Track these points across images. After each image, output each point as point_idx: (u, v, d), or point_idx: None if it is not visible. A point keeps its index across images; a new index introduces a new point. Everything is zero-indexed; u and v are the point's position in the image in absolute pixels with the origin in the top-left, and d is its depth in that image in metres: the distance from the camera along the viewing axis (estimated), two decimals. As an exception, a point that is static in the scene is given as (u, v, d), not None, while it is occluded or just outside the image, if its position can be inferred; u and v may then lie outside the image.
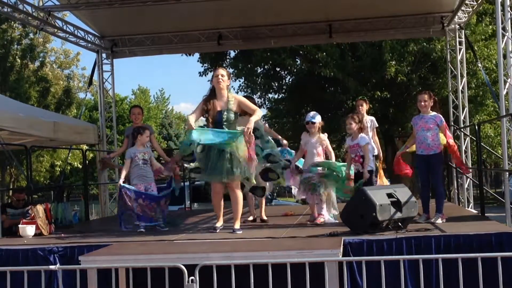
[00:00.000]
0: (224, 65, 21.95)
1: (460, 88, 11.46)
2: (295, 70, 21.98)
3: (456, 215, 7.87)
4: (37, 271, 5.01)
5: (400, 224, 6.41)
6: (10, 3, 9.67)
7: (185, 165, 7.48)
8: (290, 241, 6.00)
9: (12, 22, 23.53)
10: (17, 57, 24.79)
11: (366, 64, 18.50)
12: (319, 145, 7.45)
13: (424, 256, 4.99)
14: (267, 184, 7.51)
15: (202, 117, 6.93)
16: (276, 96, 23.24)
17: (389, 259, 4.95)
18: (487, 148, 14.69)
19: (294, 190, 7.93)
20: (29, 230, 7.24)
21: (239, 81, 22.41)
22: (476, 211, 9.33)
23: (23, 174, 21.99)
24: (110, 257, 5.65)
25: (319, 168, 7.30)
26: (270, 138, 7.27)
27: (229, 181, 6.77)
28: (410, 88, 18.84)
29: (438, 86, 17.85)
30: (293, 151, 8.13)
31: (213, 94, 6.90)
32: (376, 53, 18.34)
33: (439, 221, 6.99)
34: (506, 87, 7.92)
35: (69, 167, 26.74)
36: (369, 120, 8.78)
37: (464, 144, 11.16)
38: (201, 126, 6.79)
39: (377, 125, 9.01)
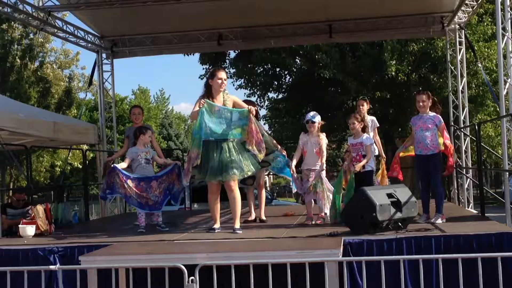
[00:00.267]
0: (224, 65, 21.98)
1: (460, 88, 11.46)
2: (295, 70, 21.99)
3: (456, 215, 7.88)
4: (37, 271, 5.01)
5: (400, 224, 6.41)
6: (10, 3, 9.68)
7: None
8: (290, 241, 6.00)
9: (12, 22, 23.51)
10: (17, 57, 24.78)
11: (366, 64, 18.50)
12: (318, 145, 7.44)
13: (424, 256, 4.99)
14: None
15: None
16: (276, 96, 23.28)
17: (389, 259, 4.95)
18: (487, 148, 14.68)
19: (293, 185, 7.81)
20: (29, 230, 7.24)
21: (239, 81, 22.43)
22: (476, 211, 9.33)
23: (23, 174, 21.99)
24: (110, 257, 5.65)
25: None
26: (264, 131, 7.25)
27: (226, 180, 6.78)
28: (410, 88, 18.83)
29: (438, 86, 17.84)
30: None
31: (209, 92, 6.93)
32: (376, 53, 18.33)
33: (439, 221, 6.99)
34: (506, 87, 7.92)
35: (69, 167, 26.73)
36: (370, 120, 8.78)
37: (464, 144, 11.16)
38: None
39: (378, 125, 9.01)
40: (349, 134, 7.54)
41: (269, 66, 21.78)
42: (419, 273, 4.56)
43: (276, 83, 22.47)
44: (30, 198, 8.81)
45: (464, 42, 11.57)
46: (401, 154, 7.69)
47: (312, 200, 7.57)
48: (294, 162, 7.47)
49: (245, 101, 7.55)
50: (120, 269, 5.26)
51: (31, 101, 24.09)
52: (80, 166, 25.30)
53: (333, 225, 6.94)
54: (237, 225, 6.92)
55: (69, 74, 27.91)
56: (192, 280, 4.48)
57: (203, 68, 22.43)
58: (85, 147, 14.75)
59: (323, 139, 7.50)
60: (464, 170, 11.08)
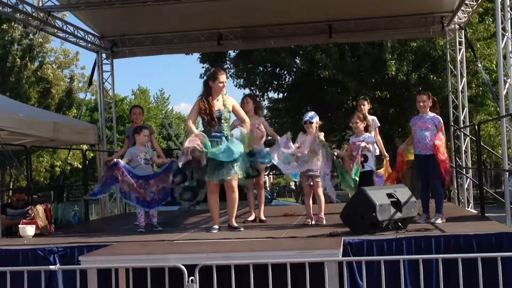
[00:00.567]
0: (224, 65, 21.98)
1: (460, 88, 11.46)
2: (294, 70, 22.00)
3: (456, 215, 7.88)
4: (37, 271, 5.01)
5: (400, 224, 6.41)
6: (11, 3, 9.68)
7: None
8: (290, 241, 6.00)
9: (13, 23, 23.51)
10: (17, 57, 24.77)
11: (366, 63, 18.50)
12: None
13: (424, 256, 4.99)
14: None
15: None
16: (275, 96, 23.29)
17: (389, 259, 4.95)
18: (487, 148, 14.68)
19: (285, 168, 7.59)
20: (29, 230, 7.24)
21: (239, 80, 22.43)
22: (476, 211, 9.33)
23: (23, 174, 21.98)
24: (110, 257, 5.66)
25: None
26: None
27: (227, 180, 6.79)
28: (410, 88, 18.83)
29: (438, 86, 17.84)
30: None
31: (209, 93, 6.96)
32: (376, 52, 18.34)
33: (439, 221, 6.99)
34: (506, 87, 7.92)
35: (69, 167, 26.72)
36: (371, 120, 8.77)
37: (464, 144, 11.17)
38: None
39: (379, 125, 9.01)
40: (349, 134, 7.55)
41: (269, 66, 21.78)
42: (419, 273, 4.56)
43: (276, 83, 22.47)
44: (30, 198, 8.81)
45: (464, 42, 11.58)
46: (402, 157, 7.67)
47: (311, 200, 7.58)
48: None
49: (245, 96, 7.58)
50: (120, 269, 5.26)
51: (31, 101, 24.07)
52: (80, 166, 25.30)
53: (333, 225, 6.93)
54: (234, 223, 6.99)
55: (69, 74, 27.92)
56: (192, 280, 4.48)
57: (203, 67, 22.45)
58: (85, 147, 14.76)
59: (323, 139, 7.48)
60: (464, 170, 11.09)
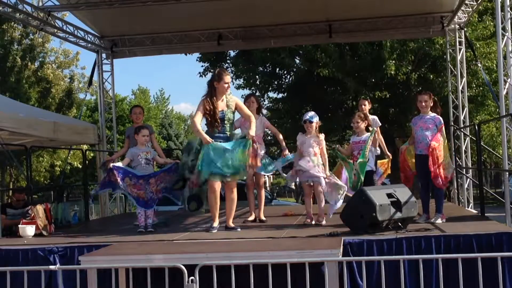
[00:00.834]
0: (224, 64, 21.97)
1: (460, 88, 11.46)
2: (294, 70, 21.99)
3: (456, 215, 7.88)
4: (37, 271, 5.01)
5: (400, 224, 6.41)
6: (10, 3, 9.68)
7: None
8: (290, 241, 6.00)
9: (13, 22, 23.51)
10: (17, 57, 24.76)
11: (365, 63, 18.49)
12: (316, 145, 7.42)
13: (424, 256, 5.00)
14: None
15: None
16: (275, 96, 23.29)
17: (389, 259, 4.95)
18: (487, 148, 14.69)
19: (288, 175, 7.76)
20: (29, 230, 7.24)
21: (239, 80, 22.43)
22: (476, 211, 9.33)
23: (23, 174, 21.98)
24: (110, 257, 5.65)
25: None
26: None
27: (229, 181, 6.85)
28: (410, 87, 18.83)
29: (438, 85, 17.83)
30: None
31: (213, 93, 6.99)
32: (376, 52, 18.33)
33: (439, 221, 6.99)
34: (506, 87, 7.92)
35: (69, 167, 26.71)
36: (372, 119, 8.78)
37: (464, 144, 11.17)
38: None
39: (379, 124, 9.01)
40: (349, 134, 7.56)
41: (269, 66, 21.77)
42: (419, 273, 4.56)
43: (276, 83, 22.47)
44: (30, 198, 8.81)
45: (464, 42, 11.58)
46: (405, 156, 7.66)
47: (311, 200, 7.59)
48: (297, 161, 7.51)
49: (247, 95, 7.60)
50: (120, 269, 5.26)
51: (31, 101, 24.06)
52: (80, 166, 25.29)
53: (333, 225, 6.93)
54: (231, 223, 7.02)
55: (69, 74, 27.91)
56: (192, 280, 4.48)
57: (202, 66, 22.44)
58: (85, 147, 14.76)
59: (323, 141, 7.49)
60: (464, 170, 11.09)
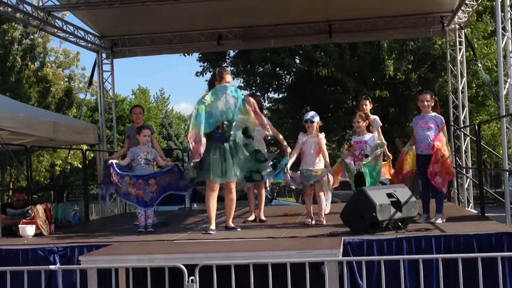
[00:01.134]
0: (224, 64, 21.98)
1: (460, 88, 11.45)
2: (294, 70, 21.99)
3: (456, 215, 7.87)
4: (37, 271, 5.01)
5: (400, 224, 6.41)
6: (11, 3, 9.67)
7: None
8: (290, 241, 6.00)
9: (13, 22, 23.51)
10: (17, 57, 24.76)
11: (365, 63, 18.50)
12: (317, 145, 7.43)
13: (424, 256, 5.00)
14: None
15: None
16: (276, 96, 23.29)
17: (389, 259, 4.95)
18: (487, 148, 14.69)
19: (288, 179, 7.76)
20: (29, 230, 7.23)
21: (239, 80, 22.45)
22: (476, 211, 9.33)
23: (23, 174, 21.98)
24: (110, 257, 5.65)
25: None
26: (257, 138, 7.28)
27: (228, 182, 6.81)
28: (410, 87, 18.84)
29: (438, 85, 17.84)
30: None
31: None
32: (375, 52, 18.34)
33: (439, 221, 6.99)
34: (506, 87, 7.92)
35: (69, 167, 26.71)
36: (373, 119, 8.77)
37: (464, 144, 11.16)
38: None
39: (380, 124, 9.01)
40: (349, 134, 7.55)
41: (269, 66, 21.78)
42: (419, 273, 4.56)
43: (276, 83, 22.47)
44: (30, 198, 8.81)
45: (464, 42, 11.58)
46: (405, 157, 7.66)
47: (311, 200, 7.58)
48: (291, 162, 7.43)
49: (248, 95, 7.58)
50: (120, 269, 5.26)
51: (31, 101, 24.06)
52: (80, 166, 25.30)
53: (333, 225, 6.93)
54: (231, 223, 7.00)
55: (69, 74, 27.90)
56: (192, 280, 4.47)
57: (200, 66, 22.45)
58: (85, 147, 14.75)
59: (323, 140, 7.49)
60: (464, 170, 11.08)
